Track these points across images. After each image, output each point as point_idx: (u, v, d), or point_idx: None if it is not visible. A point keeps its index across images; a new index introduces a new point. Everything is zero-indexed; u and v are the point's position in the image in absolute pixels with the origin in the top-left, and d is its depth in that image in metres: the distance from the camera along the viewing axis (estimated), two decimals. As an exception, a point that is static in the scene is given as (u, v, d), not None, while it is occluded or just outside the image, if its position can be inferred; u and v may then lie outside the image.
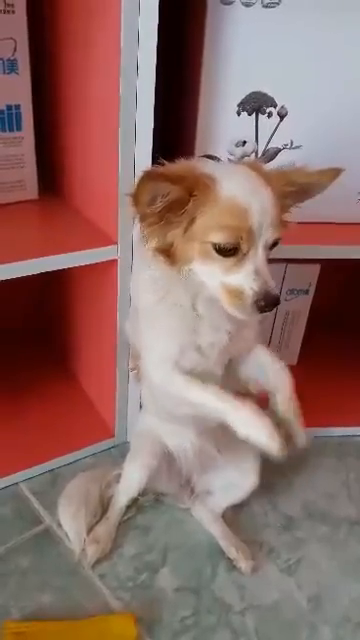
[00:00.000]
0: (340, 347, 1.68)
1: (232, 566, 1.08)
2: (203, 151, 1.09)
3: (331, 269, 1.45)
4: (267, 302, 0.77)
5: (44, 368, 1.49)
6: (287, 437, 0.84)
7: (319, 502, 1.24)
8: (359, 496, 1.26)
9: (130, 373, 1.20)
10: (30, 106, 1.12)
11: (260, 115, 1.07)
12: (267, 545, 1.14)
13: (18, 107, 1.10)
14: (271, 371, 0.93)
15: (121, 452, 1.28)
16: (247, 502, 1.17)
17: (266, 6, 0.98)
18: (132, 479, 1.11)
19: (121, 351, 1.17)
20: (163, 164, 0.77)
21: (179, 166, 0.78)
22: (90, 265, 1.05)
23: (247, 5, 0.97)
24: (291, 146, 1.10)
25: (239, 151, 1.09)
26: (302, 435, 0.86)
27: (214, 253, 0.76)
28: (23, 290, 1.45)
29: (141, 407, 1.22)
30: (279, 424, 0.86)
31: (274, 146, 1.11)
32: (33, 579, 1.03)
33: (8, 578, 1.02)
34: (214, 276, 0.79)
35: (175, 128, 1.18)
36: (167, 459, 1.09)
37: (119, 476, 1.15)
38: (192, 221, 0.75)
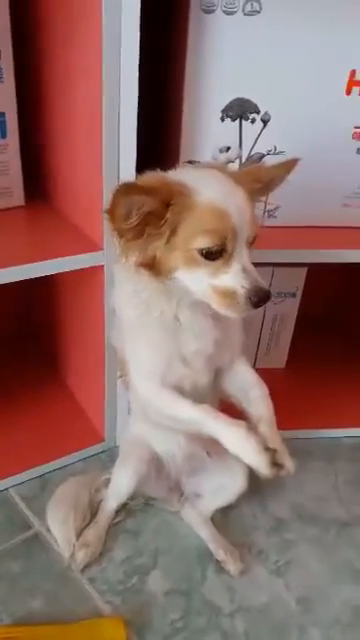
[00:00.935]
0: (328, 350, 1.70)
1: (221, 569, 1.08)
2: (187, 157, 1.10)
3: (318, 272, 1.46)
4: (259, 297, 0.78)
5: (33, 373, 1.50)
6: (274, 462, 0.85)
7: (308, 504, 1.25)
8: (348, 498, 1.27)
9: (119, 379, 1.20)
10: (15, 113, 1.13)
11: (244, 121, 1.08)
12: (256, 547, 1.14)
13: (3, 115, 1.11)
14: (253, 398, 0.93)
15: (111, 457, 1.28)
16: (237, 504, 1.17)
17: (247, 14, 0.99)
18: (121, 483, 1.11)
19: (109, 356, 1.18)
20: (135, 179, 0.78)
21: (149, 178, 0.78)
22: (77, 271, 1.06)
23: (228, 13, 0.99)
24: (275, 152, 1.12)
25: (223, 157, 1.10)
26: (290, 462, 0.87)
27: (200, 258, 0.77)
28: (12, 296, 1.45)
29: (130, 412, 1.22)
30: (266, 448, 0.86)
31: (258, 152, 1.12)
32: (23, 584, 1.03)
33: (-2, 583, 1.03)
34: (202, 281, 0.79)
35: (159, 135, 1.20)
36: (156, 463, 1.09)
37: (109, 481, 1.15)
38: (174, 231, 0.76)
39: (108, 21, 0.87)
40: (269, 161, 0.87)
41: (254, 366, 1.53)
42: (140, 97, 0.93)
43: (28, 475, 1.23)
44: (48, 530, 1.11)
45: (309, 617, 1.03)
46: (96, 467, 1.26)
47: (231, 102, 1.06)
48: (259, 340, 1.54)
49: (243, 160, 1.12)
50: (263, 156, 1.12)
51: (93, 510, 1.15)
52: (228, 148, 1.10)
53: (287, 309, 1.51)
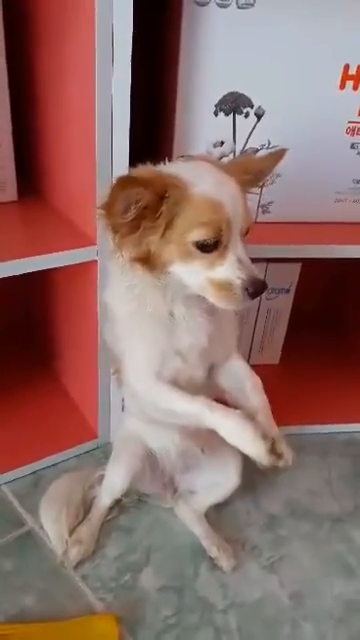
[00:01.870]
0: (322, 345, 1.70)
1: (215, 565, 1.08)
2: (181, 152, 1.09)
3: (312, 268, 1.46)
4: (255, 288, 0.78)
5: (27, 369, 1.49)
6: (273, 451, 0.85)
7: (302, 500, 1.25)
8: (341, 494, 1.27)
9: (112, 376, 1.20)
10: (8, 109, 1.12)
11: (237, 115, 1.08)
12: (250, 543, 1.14)
13: (-5, 109, 1.10)
14: (248, 390, 0.93)
15: (104, 453, 1.28)
16: (230, 501, 1.17)
17: (241, 7, 0.98)
18: (115, 480, 1.10)
19: (103, 352, 1.17)
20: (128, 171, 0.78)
21: (143, 171, 0.78)
22: (70, 266, 1.05)
23: (222, 6, 0.98)
24: (268, 146, 1.11)
25: (217, 151, 1.10)
26: (288, 451, 0.86)
27: (196, 251, 0.77)
28: (4, 291, 1.44)
29: (123, 408, 1.22)
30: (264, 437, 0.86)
31: (252, 146, 1.11)
32: (16, 581, 1.02)
33: (-10, 581, 1.02)
34: (197, 273, 0.79)
35: (153, 130, 1.19)
36: (150, 460, 1.09)
37: (102, 477, 1.15)
38: (169, 224, 0.75)
39: (101, 14, 0.86)
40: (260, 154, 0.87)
41: (248, 362, 1.56)
42: (133, 92, 0.92)
43: (21, 472, 1.22)
44: (41, 527, 1.11)
45: (302, 612, 1.03)
46: (89, 464, 1.26)
47: (225, 96, 1.06)
48: (253, 336, 1.54)
49: (237, 155, 1.11)
50: (257, 151, 1.12)
51: (86, 507, 1.15)
52: (222, 142, 1.09)
53: (281, 305, 1.51)
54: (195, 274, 0.79)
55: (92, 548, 1.09)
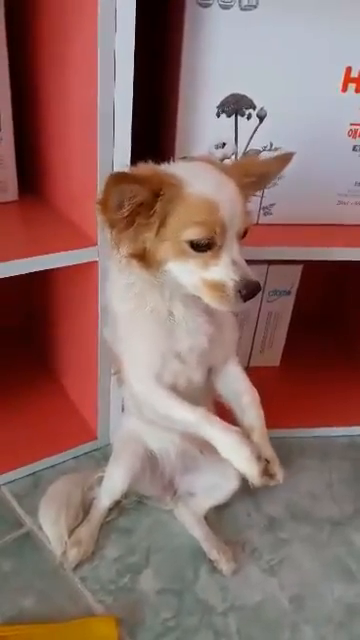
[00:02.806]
0: (323, 348, 1.70)
1: (214, 568, 1.08)
2: (183, 153, 1.09)
3: (313, 270, 1.45)
4: (249, 290, 0.78)
5: (26, 370, 1.49)
6: (265, 473, 0.85)
7: (302, 503, 1.25)
8: (342, 496, 1.27)
9: (112, 376, 1.19)
10: (9, 108, 1.12)
11: (239, 117, 1.08)
12: (250, 546, 1.14)
13: (-3, 109, 1.10)
14: (245, 405, 0.92)
15: (104, 454, 1.28)
16: (230, 503, 1.17)
17: (244, 9, 0.98)
18: (115, 481, 1.10)
19: (103, 353, 1.17)
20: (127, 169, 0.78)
21: (141, 169, 0.78)
22: (71, 267, 1.05)
23: (225, 8, 0.98)
24: (270, 148, 1.11)
25: (219, 153, 1.10)
26: (281, 472, 0.87)
27: (190, 250, 0.77)
28: (5, 291, 1.44)
29: (123, 409, 1.22)
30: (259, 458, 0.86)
31: (254, 148, 1.11)
32: (15, 583, 1.02)
33: (-11, 582, 1.02)
34: (192, 273, 0.79)
35: (155, 130, 1.19)
36: (150, 461, 1.09)
37: (101, 479, 1.14)
38: (163, 221, 0.76)
39: (103, 14, 0.86)
40: (264, 157, 0.86)
41: (248, 364, 1.56)
42: (135, 93, 0.92)
43: (20, 473, 1.22)
44: (40, 528, 1.11)
45: (302, 615, 1.02)
46: (89, 465, 1.26)
47: (227, 98, 1.06)
48: (253, 338, 1.54)
49: (239, 156, 1.11)
50: (259, 152, 1.11)
51: (86, 508, 1.15)
52: (224, 144, 1.09)
53: (282, 307, 1.50)
54: (190, 273, 0.79)
55: (91, 549, 1.09)
